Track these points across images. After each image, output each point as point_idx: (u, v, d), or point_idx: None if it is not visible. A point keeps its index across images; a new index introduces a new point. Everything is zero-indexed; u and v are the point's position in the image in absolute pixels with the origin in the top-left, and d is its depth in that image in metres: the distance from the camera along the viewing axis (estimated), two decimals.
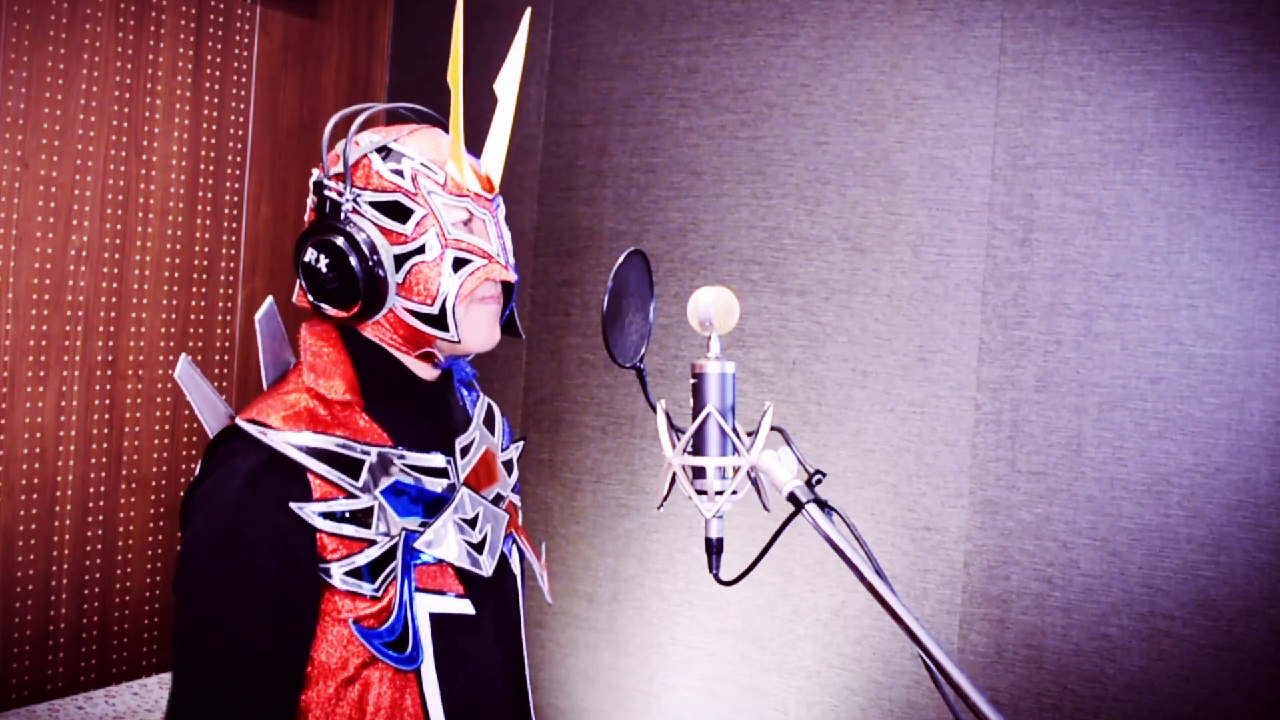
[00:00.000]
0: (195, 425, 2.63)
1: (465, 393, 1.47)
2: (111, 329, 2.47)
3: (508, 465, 1.47)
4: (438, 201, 1.28)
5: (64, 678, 2.40)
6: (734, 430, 1.15)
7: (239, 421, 1.23)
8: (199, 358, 2.63)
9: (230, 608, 1.17)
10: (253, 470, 1.19)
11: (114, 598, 2.49)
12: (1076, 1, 2.21)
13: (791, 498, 1.10)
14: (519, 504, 1.49)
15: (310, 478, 1.20)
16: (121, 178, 2.47)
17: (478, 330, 1.32)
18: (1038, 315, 2.23)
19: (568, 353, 2.76)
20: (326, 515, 1.20)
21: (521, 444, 1.52)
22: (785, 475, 1.11)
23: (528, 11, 1.42)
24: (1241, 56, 2.08)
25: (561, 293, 2.77)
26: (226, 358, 2.72)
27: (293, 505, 1.18)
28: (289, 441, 1.21)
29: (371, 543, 1.22)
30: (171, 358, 2.57)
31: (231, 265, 2.71)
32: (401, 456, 1.28)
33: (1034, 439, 2.23)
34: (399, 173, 1.28)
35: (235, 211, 2.71)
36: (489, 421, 1.46)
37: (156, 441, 2.57)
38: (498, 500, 1.40)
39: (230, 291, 2.71)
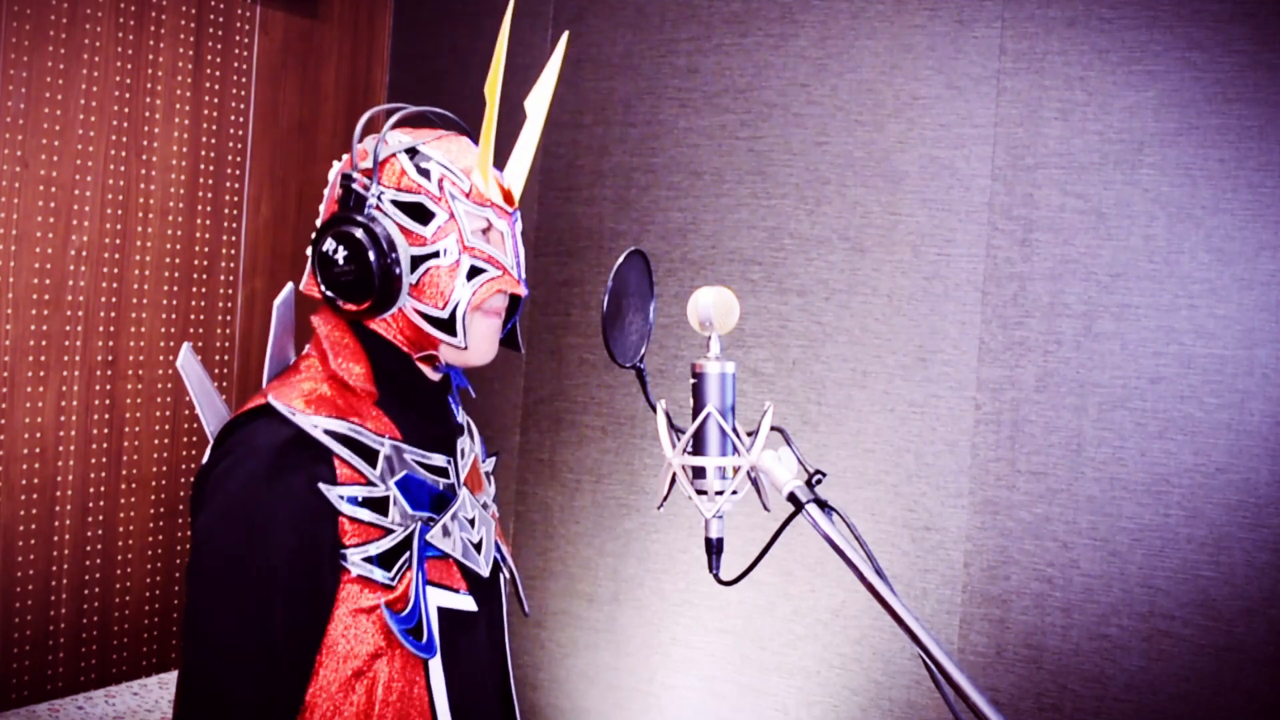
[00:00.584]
0: (196, 425, 2.63)
1: (452, 403, 1.49)
2: (111, 329, 2.47)
3: (487, 476, 1.49)
4: (460, 208, 1.29)
5: (64, 678, 2.40)
6: (734, 430, 1.15)
7: (270, 399, 1.23)
8: (199, 357, 2.63)
9: (248, 588, 1.17)
10: (280, 447, 1.20)
11: (114, 598, 2.49)
12: (1076, 1, 2.21)
13: (791, 498, 1.10)
14: (497, 515, 1.52)
15: (335, 461, 1.21)
16: (121, 178, 2.47)
17: (479, 342, 1.33)
18: (1038, 315, 2.23)
19: (568, 353, 2.76)
20: (348, 500, 1.21)
21: (495, 459, 1.54)
22: (785, 475, 1.11)
23: (564, 35, 1.43)
24: (1241, 56, 2.08)
25: (561, 293, 2.77)
26: (226, 357, 2.72)
27: (321, 486, 1.19)
28: (316, 424, 1.21)
29: (388, 531, 1.23)
30: (171, 357, 2.57)
31: (231, 265, 2.71)
32: (411, 451, 1.29)
33: (1034, 439, 2.23)
34: (425, 175, 1.28)
35: (235, 211, 2.71)
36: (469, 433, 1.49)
37: (156, 441, 2.57)
38: (484, 507, 1.42)
39: (230, 291, 2.71)
